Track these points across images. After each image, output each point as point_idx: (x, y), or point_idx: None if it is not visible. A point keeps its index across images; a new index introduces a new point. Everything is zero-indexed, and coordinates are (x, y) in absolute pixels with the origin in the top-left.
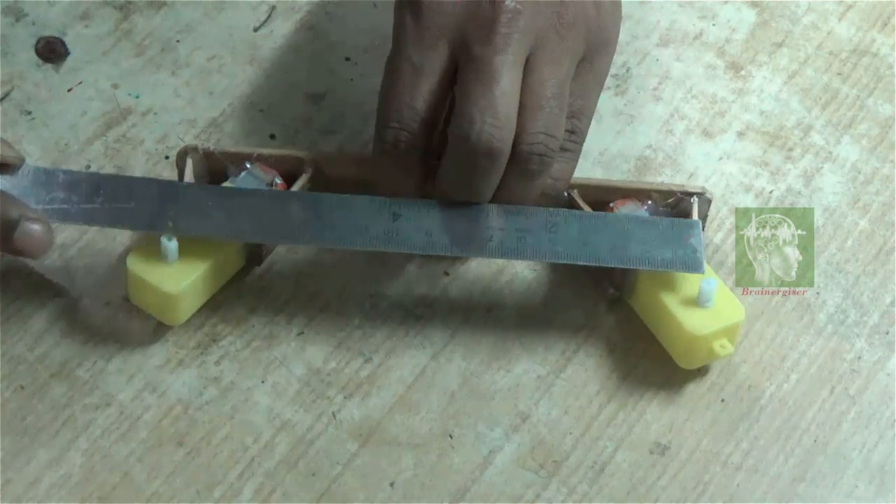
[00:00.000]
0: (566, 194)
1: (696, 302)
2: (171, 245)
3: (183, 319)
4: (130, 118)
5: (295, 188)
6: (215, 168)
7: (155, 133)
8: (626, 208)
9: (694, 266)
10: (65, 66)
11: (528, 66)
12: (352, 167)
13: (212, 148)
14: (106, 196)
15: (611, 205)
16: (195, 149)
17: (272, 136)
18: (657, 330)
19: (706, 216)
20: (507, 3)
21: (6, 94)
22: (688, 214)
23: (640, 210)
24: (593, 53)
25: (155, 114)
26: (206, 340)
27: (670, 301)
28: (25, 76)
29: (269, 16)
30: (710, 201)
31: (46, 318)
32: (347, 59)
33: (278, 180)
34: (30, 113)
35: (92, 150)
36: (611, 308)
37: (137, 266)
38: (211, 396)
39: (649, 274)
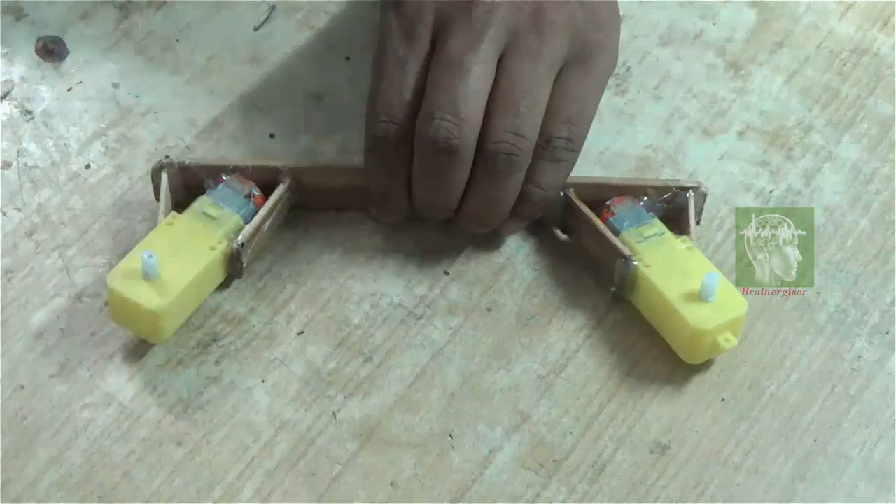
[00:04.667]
0: (562, 194)
1: (699, 296)
2: (151, 262)
3: (167, 337)
4: (130, 118)
5: (272, 199)
6: (192, 182)
7: (155, 133)
8: (622, 205)
9: None
10: (65, 66)
11: (501, 64)
12: (329, 177)
13: (187, 161)
14: None
15: (607, 202)
16: (171, 164)
17: (272, 136)
18: (660, 326)
19: (702, 210)
20: None
21: (6, 94)
22: (683, 209)
23: (637, 206)
24: (586, 56)
25: (155, 114)
26: (206, 340)
27: (673, 296)
28: (25, 76)
29: (269, 15)
30: (705, 195)
31: (46, 318)
32: (347, 58)
33: (255, 191)
34: (30, 113)
35: (92, 149)
36: (611, 308)
37: (119, 284)
38: (211, 396)
39: (650, 270)
